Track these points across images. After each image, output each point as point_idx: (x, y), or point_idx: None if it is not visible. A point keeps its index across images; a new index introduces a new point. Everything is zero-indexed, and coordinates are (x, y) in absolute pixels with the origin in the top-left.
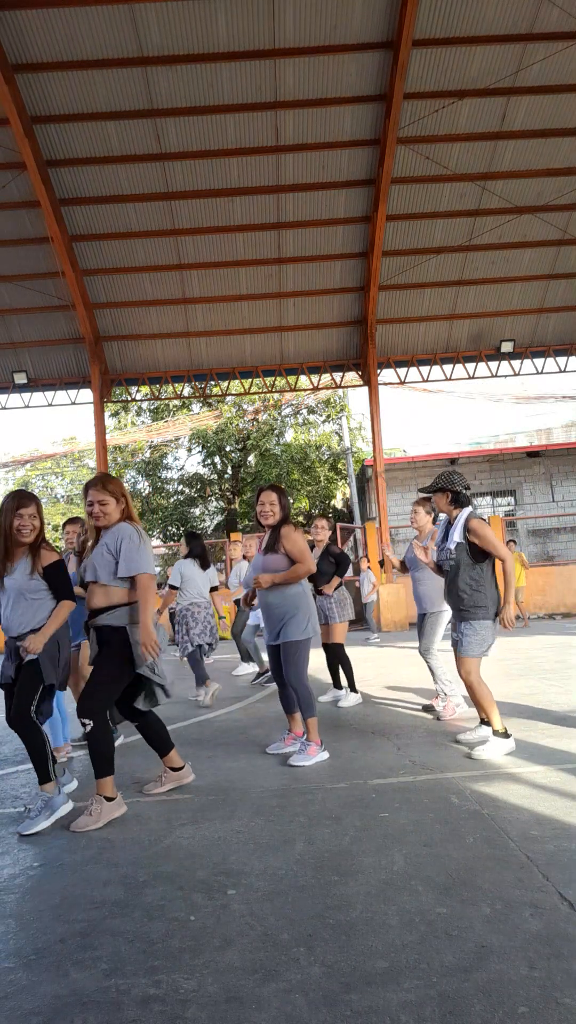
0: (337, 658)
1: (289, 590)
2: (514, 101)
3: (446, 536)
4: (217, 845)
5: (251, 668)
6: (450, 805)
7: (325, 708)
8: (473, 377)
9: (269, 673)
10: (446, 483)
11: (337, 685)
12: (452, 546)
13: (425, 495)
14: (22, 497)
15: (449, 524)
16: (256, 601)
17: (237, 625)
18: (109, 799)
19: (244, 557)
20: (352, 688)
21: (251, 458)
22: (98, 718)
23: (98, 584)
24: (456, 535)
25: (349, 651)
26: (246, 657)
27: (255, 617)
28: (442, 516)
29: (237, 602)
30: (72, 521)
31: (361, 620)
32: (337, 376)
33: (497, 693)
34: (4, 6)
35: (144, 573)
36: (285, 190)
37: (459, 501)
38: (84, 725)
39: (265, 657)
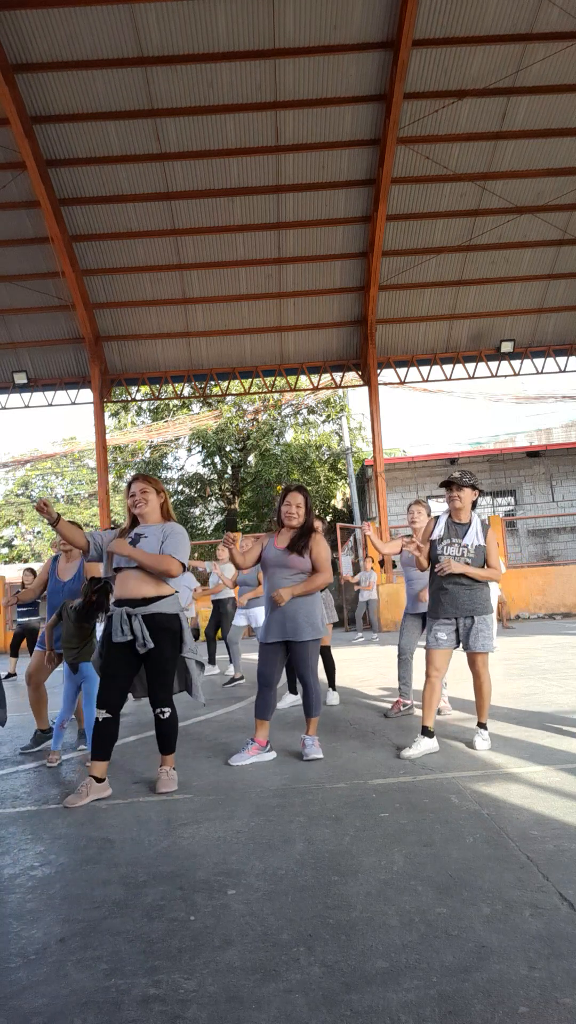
0: (325, 659)
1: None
2: (514, 101)
3: (458, 534)
4: (217, 845)
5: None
6: (450, 805)
7: (323, 709)
8: (473, 377)
9: (241, 679)
10: (477, 483)
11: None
12: (472, 545)
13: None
14: None
15: (454, 522)
16: (245, 599)
17: (228, 629)
18: (172, 769)
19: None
20: (332, 686)
21: (251, 458)
22: (172, 703)
23: (144, 572)
24: (479, 538)
25: (355, 652)
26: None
27: (241, 618)
28: (439, 511)
29: (215, 602)
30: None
31: (357, 621)
32: (337, 376)
33: (497, 693)
34: (4, 6)
35: (177, 560)
36: (285, 190)
37: (475, 504)
38: (162, 714)
39: (248, 658)
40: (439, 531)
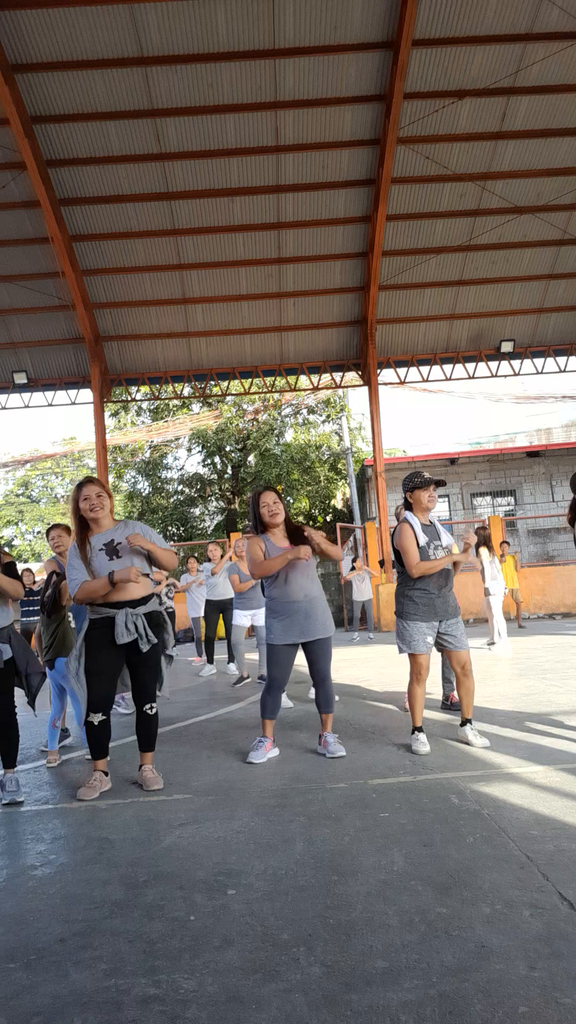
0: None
1: (320, 589)
2: (514, 101)
3: (435, 536)
4: (217, 845)
5: (233, 668)
6: (450, 805)
7: None
8: (473, 377)
9: (247, 679)
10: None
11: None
12: (448, 544)
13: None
14: None
15: (423, 524)
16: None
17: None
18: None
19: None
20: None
21: (251, 458)
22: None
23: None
24: (449, 537)
25: (355, 652)
26: (231, 658)
27: (241, 618)
28: (406, 516)
29: (214, 602)
30: (57, 526)
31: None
32: (337, 376)
33: (497, 693)
34: (4, 6)
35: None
36: (285, 190)
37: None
38: (151, 709)
39: (250, 659)
40: (423, 536)
